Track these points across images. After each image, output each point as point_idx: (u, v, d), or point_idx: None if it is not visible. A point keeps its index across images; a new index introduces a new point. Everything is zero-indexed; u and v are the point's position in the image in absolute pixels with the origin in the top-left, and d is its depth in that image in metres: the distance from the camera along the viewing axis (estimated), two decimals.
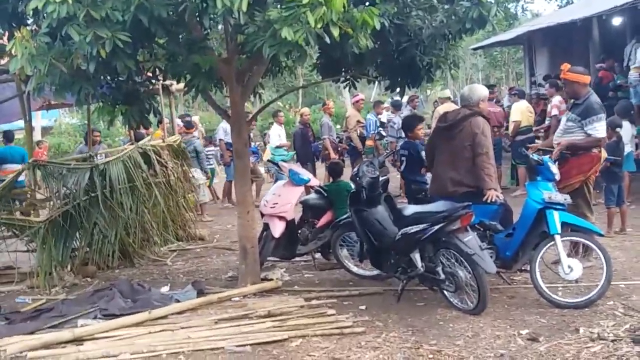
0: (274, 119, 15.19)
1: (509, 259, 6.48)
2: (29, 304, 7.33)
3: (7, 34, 6.72)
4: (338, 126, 17.73)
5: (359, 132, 13.75)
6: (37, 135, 19.62)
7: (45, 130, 26.91)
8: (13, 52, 5.65)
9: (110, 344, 5.73)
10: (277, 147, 14.22)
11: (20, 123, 11.70)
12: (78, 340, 5.81)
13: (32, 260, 8.53)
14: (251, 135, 15.32)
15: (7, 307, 7.22)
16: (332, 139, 13.94)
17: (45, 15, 5.30)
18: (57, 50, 5.60)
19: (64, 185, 8.76)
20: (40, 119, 23.68)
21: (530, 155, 6.78)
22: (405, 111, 14.93)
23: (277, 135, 14.38)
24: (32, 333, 6.10)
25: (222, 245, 10.11)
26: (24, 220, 8.70)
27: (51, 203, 8.80)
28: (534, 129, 12.39)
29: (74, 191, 8.70)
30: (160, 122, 12.54)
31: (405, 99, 14.24)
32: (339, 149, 13.93)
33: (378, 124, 14.06)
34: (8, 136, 13.63)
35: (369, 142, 13.84)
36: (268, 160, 12.78)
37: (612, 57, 14.50)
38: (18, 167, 11.87)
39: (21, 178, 10.11)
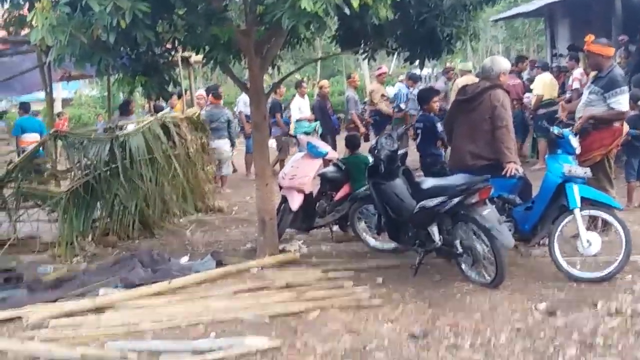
0: (297, 90, 14.85)
1: (527, 232, 6.47)
2: (50, 273, 7.40)
3: (27, 5, 6.73)
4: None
5: (385, 105, 13.65)
6: (57, 107, 19.67)
7: (66, 102, 27.05)
8: (34, 23, 5.65)
9: (130, 312, 5.81)
10: (299, 120, 13.84)
11: (41, 94, 11.75)
12: (99, 309, 5.88)
13: (54, 230, 8.62)
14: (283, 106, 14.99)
15: (30, 276, 7.30)
16: (357, 113, 13.73)
17: None
18: (77, 20, 5.57)
19: (84, 156, 8.82)
20: (60, 91, 23.77)
21: (551, 129, 6.71)
22: (441, 82, 14.77)
23: (298, 108, 14.00)
24: (53, 301, 6.18)
25: (241, 217, 10.16)
26: (45, 190, 8.78)
27: (72, 174, 8.87)
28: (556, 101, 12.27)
29: (95, 162, 8.76)
30: (180, 95, 12.49)
31: (439, 69, 14.01)
32: (364, 122, 13.73)
33: (409, 97, 13.92)
34: (25, 107, 13.71)
35: (398, 114, 13.71)
36: (289, 134, 12.62)
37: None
38: (36, 137, 11.98)
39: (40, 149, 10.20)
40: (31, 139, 12.43)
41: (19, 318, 5.80)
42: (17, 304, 6.15)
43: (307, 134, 11.82)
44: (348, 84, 15.04)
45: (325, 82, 15.45)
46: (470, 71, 13.54)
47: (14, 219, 8.80)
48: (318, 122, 13.25)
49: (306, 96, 14.58)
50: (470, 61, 16.97)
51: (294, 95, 15.48)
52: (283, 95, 16.04)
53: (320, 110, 13.85)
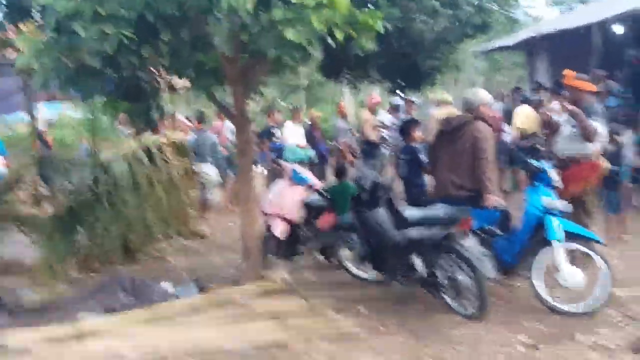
0: (293, 116, 14.42)
1: (508, 264, 6.45)
2: (32, 298, 7.30)
3: (12, 28, 6.72)
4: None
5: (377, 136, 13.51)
6: (41, 128, 19.55)
7: (49, 124, 26.87)
8: (20, 47, 5.64)
9: (113, 340, 5.72)
10: (292, 147, 13.05)
11: (24, 115, 11.67)
12: (80, 336, 5.78)
13: (36, 255, 8.51)
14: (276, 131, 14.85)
15: (10, 300, 7.19)
16: (348, 142, 13.55)
17: (52, 12, 5.29)
18: (63, 45, 5.59)
19: (68, 181, 8.74)
20: (43, 111, 23.59)
21: (530, 161, 6.74)
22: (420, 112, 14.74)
23: (293, 134, 13.60)
24: (34, 327, 6.06)
25: (225, 242, 10.07)
26: (28, 213, 8.69)
27: (56, 198, 8.79)
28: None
29: (78, 186, 8.69)
30: (165, 118, 12.34)
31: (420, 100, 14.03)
32: (351, 152, 13.58)
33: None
34: None
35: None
36: (272, 160, 12.50)
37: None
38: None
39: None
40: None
41: None
42: None
43: (303, 161, 11.78)
44: (338, 113, 15.06)
45: (316, 113, 15.38)
46: (450, 103, 13.46)
47: None
48: (314, 152, 13.16)
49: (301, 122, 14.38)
50: (448, 93, 17.02)
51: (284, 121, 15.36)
52: (279, 122, 15.88)
53: (310, 137, 13.75)
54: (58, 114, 27.96)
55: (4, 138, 21.11)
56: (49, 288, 7.69)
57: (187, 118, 14.37)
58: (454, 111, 10.46)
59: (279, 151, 13.38)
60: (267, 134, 13.70)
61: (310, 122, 14.49)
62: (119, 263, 8.78)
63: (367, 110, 14.10)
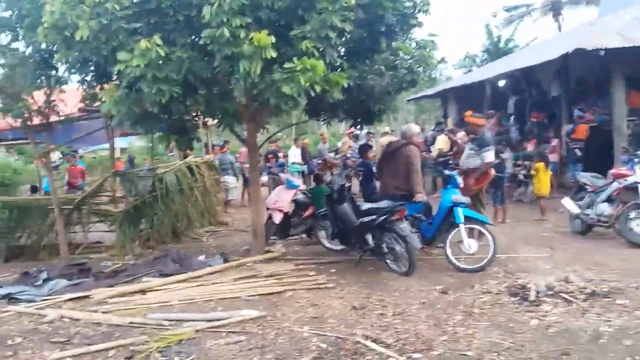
0: (294, 143, 14.45)
1: (429, 239, 6.54)
2: (109, 267, 7.32)
3: (98, 86, 6.74)
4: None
5: (349, 153, 13.59)
6: (116, 153, 19.43)
7: (122, 150, 26.64)
8: (103, 99, 5.67)
9: (164, 293, 5.75)
10: (293, 163, 13.55)
11: (106, 145, 11.64)
12: (142, 291, 5.82)
13: (112, 237, 8.51)
14: (279, 154, 14.75)
15: (95, 269, 7.20)
16: (328, 158, 13.64)
17: (125, 75, 5.32)
18: (132, 98, 5.60)
19: (135, 187, 8.74)
20: (119, 142, 23.43)
21: (444, 171, 6.84)
22: (363, 141, 14.83)
23: (294, 154, 13.69)
24: (111, 286, 6.11)
25: (240, 228, 10.09)
26: (107, 210, 8.68)
27: (126, 199, 8.79)
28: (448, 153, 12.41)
29: (141, 191, 8.69)
30: (206, 145, 12.25)
31: (364, 132, 14.05)
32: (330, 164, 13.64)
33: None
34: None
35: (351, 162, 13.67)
36: (273, 173, 12.52)
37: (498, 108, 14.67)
38: None
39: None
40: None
41: (88, 297, 5.73)
42: (86, 288, 6.06)
43: (299, 172, 11.81)
44: (321, 140, 15.15)
45: (307, 140, 15.42)
46: (387, 132, 13.59)
47: (86, 229, 8.68)
48: (306, 166, 13.23)
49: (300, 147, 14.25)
50: (389, 126, 17.06)
51: (289, 146, 15.34)
52: (280, 147, 15.82)
53: (303, 157, 13.75)
54: (128, 144, 27.87)
55: (92, 161, 21.05)
56: (121, 260, 7.74)
57: (215, 145, 14.33)
58: (392, 138, 10.60)
59: (281, 167, 13.44)
60: (273, 154, 13.72)
61: (302, 147, 14.50)
62: (169, 243, 8.81)
63: (347, 137, 14.29)
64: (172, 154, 15.32)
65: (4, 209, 8.24)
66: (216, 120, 7.46)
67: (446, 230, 6.32)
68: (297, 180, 8.93)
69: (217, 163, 11.68)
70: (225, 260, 6.94)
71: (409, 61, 6.79)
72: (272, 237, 8.04)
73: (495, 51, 24.71)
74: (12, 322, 5.12)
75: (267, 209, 8.05)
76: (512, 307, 4.84)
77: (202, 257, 7.31)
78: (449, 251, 6.19)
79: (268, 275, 6.11)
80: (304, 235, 8.30)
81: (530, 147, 11.72)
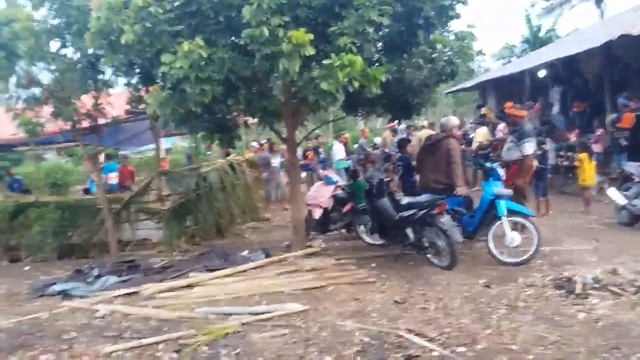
0: (337, 139, 14.07)
1: (471, 233, 6.42)
2: (157, 263, 7.47)
3: (143, 89, 6.88)
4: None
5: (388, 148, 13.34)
6: (161, 154, 19.84)
7: (167, 151, 27.22)
8: (148, 101, 5.78)
9: (210, 288, 5.83)
10: (340, 159, 13.09)
11: (151, 146, 11.93)
12: (189, 286, 5.91)
13: (160, 234, 8.70)
14: (320, 150, 14.57)
15: (144, 265, 7.38)
16: (370, 152, 13.47)
17: (169, 76, 5.40)
18: (176, 99, 5.67)
19: (180, 186, 8.92)
20: (164, 143, 23.93)
21: (485, 164, 6.71)
22: (403, 135, 14.57)
23: (339, 151, 13.25)
24: (160, 282, 6.24)
25: (281, 224, 10.14)
26: (155, 208, 8.88)
27: (172, 197, 8.98)
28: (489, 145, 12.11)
29: (186, 189, 8.86)
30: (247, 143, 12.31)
31: (403, 126, 13.79)
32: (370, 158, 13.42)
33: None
34: (109, 156, 13.25)
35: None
36: (306, 168, 12.44)
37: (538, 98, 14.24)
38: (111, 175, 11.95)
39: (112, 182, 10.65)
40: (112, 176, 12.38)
41: (137, 292, 5.87)
42: (136, 284, 6.21)
43: (344, 168, 11.75)
44: (362, 135, 14.97)
45: (347, 135, 14.90)
46: (424, 126, 13.25)
47: (134, 227, 8.91)
48: (350, 161, 13.17)
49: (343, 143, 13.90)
50: (427, 119, 16.71)
51: (326, 144, 15.05)
52: (321, 143, 15.71)
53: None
54: (172, 144, 28.48)
55: (139, 161, 21.55)
56: (168, 256, 7.92)
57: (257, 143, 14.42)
58: (429, 131, 10.44)
59: (323, 162, 13.36)
60: (314, 150, 13.68)
61: (342, 143, 14.29)
62: (213, 239, 8.97)
63: (389, 131, 14.12)
64: (210, 153, 15.53)
65: (57, 209, 8.52)
66: (256, 119, 7.50)
67: (488, 223, 6.18)
68: (336, 176, 8.91)
69: (259, 161, 11.79)
70: (267, 256, 6.99)
71: (448, 53, 6.67)
72: (312, 233, 8.06)
73: (535, 41, 23.95)
74: (66, 317, 5.31)
75: (307, 204, 8.07)
76: (557, 300, 4.73)
77: (245, 253, 7.38)
78: (491, 244, 6.06)
79: (309, 270, 6.11)
80: (343, 231, 8.29)
81: (573, 137, 11.34)
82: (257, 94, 6.47)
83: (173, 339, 4.35)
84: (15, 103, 7.27)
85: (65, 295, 6.09)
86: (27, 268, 8.01)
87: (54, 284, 6.46)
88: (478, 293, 5.08)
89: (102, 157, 11.31)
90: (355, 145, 14.37)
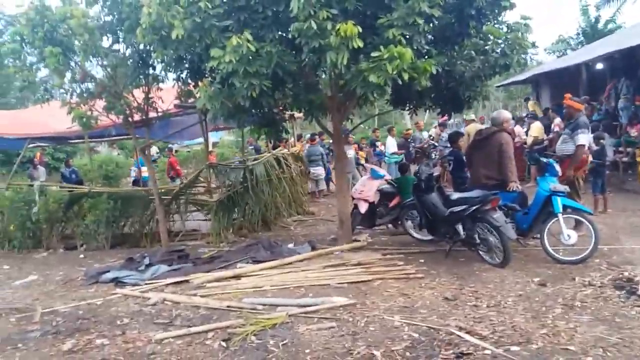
0: (389, 132, 13.95)
1: (525, 230, 6.24)
2: (206, 253, 7.61)
3: (193, 83, 7.01)
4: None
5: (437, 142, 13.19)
6: (210, 148, 20.21)
7: (214, 145, 27.73)
8: (197, 95, 5.87)
9: (257, 279, 5.90)
10: (393, 153, 13.14)
11: (200, 140, 12.16)
12: (237, 276, 6.01)
13: (208, 226, 8.87)
14: (377, 143, 14.38)
15: (193, 255, 7.53)
16: (424, 145, 13.34)
17: (218, 71, 5.48)
18: (225, 93, 5.77)
19: (227, 179, 9.05)
20: (211, 137, 24.36)
21: (540, 158, 6.48)
22: (453, 129, 14.21)
23: (392, 145, 13.27)
24: (208, 271, 6.35)
25: (326, 218, 10.16)
26: (203, 200, 9.06)
27: (220, 190, 9.13)
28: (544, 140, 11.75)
29: (234, 182, 8.99)
30: (299, 137, 12.32)
31: (455, 121, 13.46)
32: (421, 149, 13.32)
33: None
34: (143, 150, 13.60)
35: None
36: (359, 164, 12.38)
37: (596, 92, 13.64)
38: (144, 168, 12.13)
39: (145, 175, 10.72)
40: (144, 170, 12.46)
41: (187, 281, 6.01)
42: (185, 273, 6.35)
43: (397, 163, 11.67)
44: (416, 128, 14.87)
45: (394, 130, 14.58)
46: (473, 120, 12.83)
47: (183, 218, 9.12)
48: (403, 155, 13.06)
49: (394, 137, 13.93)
50: (476, 114, 16.26)
51: (385, 136, 14.84)
52: (377, 136, 15.60)
53: (404, 146, 13.53)
54: (219, 139, 29.02)
55: (188, 154, 22.02)
56: (217, 247, 8.06)
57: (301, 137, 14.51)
58: (479, 126, 10.16)
59: (379, 156, 13.23)
60: (372, 144, 13.56)
61: (404, 137, 14.13)
62: (260, 231, 9.07)
63: (438, 126, 13.91)
64: (251, 147, 15.71)
65: (109, 200, 8.83)
66: (302, 113, 7.52)
67: (543, 220, 5.99)
68: (382, 170, 8.83)
69: (307, 155, 11.84)
70: (313, 249, 7.02)
71: (501, 45, 6.49)
72: (358, 227, 8.03)
73: (593, 33, 22.92)
74: (120, 303, 5.50)
75: (353, 198, 8.05)
76: (617, 301, 4.53)
77: (291, 245, 7.44)
78: (546, 242, 5.86)
79: (356, 264, 6.11)
80: (390, 225, 8.22)
81: (634, 132, 10.82)
82: (304, 88, 6.48)
83: (222, 328, 4.43)
84: (70, 97, 7.56)
85: (118, 282, 6.29)
86: (81, 256, 8.32)
87: (108, 271, 6.68)
88: (532, 291, 4.93)
89: (153, 150, 11.63)
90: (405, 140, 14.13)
